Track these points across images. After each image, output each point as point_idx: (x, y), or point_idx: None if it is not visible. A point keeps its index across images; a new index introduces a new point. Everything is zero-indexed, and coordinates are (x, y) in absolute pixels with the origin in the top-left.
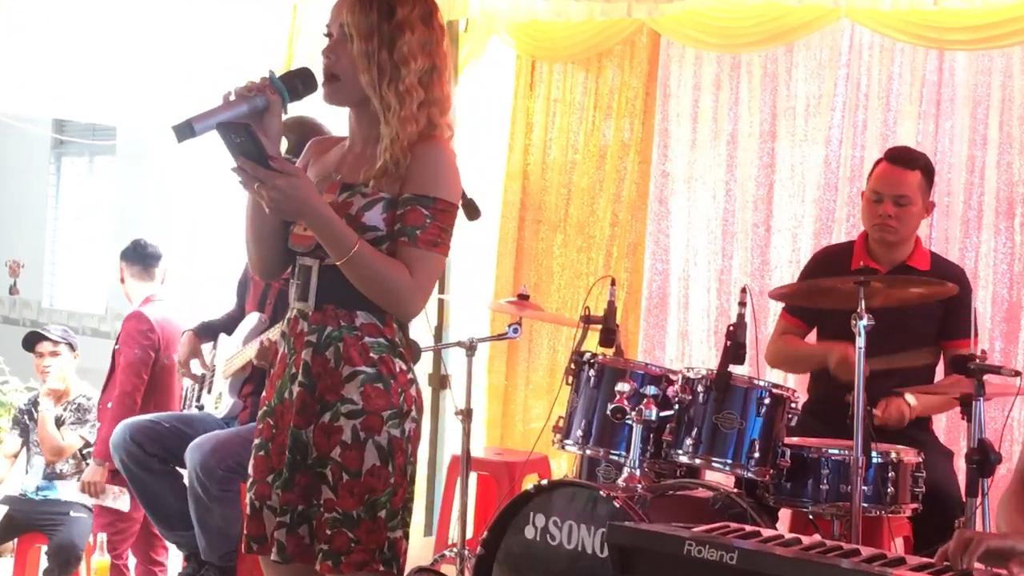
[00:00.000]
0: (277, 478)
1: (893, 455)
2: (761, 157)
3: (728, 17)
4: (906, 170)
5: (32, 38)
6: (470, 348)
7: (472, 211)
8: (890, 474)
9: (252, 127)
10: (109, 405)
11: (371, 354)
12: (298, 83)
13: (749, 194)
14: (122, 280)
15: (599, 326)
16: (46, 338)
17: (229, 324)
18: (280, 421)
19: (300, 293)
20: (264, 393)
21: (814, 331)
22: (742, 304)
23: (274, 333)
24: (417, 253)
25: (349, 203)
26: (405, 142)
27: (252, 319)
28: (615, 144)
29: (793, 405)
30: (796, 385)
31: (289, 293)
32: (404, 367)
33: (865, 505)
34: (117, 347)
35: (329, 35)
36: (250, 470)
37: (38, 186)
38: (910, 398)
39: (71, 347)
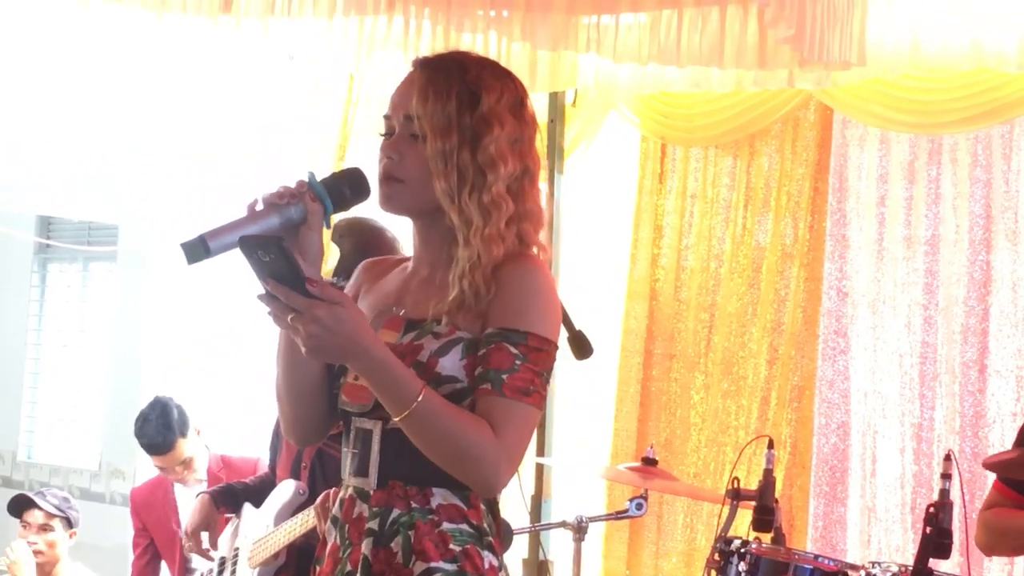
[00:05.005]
0: None
1: None
2: (972, 273)
3: (925, 88)
4: None
5: (11, 114)
6: (579, 530)
7: (582, 348)
8: None
9: (284, 242)
10: None
11: (451, 546)
12: (345, 188)
13: (956, 323)
14: None
15: (752, 503)
16: (37, 506)
17: (258, 492)
18: None
19: (357, 466)
20: None
21: None
22: (946, 476)
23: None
24: (503, 404)
25: (418, 346)
26: (489, 268)
27: (287, 489)
28: (774, 253)
29: None
30: None
31: (343, 464)
32: (494, 562)
33: None
34: None
35: (389, 132)
36: None
37: (16, 303)
38: None
39: (68, 523)
